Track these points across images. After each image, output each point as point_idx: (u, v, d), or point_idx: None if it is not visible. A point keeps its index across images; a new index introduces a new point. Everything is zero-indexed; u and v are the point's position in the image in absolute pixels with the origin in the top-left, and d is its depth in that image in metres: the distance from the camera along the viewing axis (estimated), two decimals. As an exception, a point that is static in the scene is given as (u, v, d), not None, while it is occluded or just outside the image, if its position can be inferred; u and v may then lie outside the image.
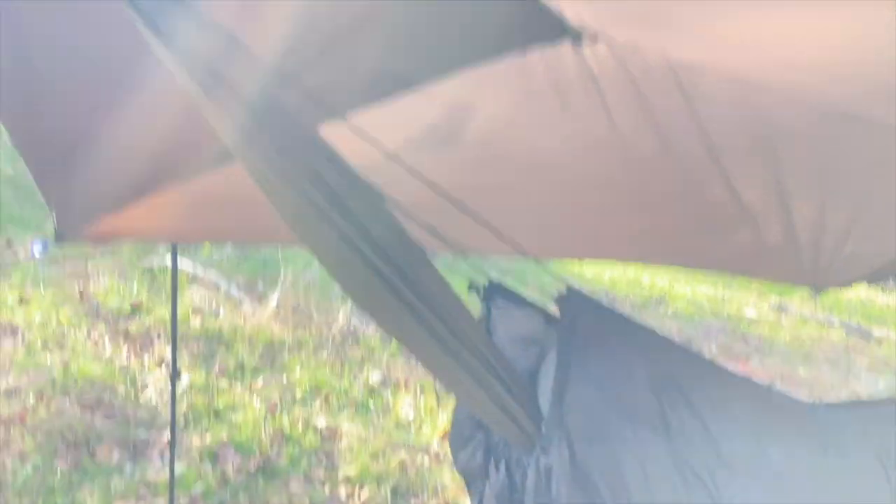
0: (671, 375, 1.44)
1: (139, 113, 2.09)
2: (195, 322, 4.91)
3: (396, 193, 1.62)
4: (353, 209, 1.29)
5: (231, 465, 3.50)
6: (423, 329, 1.38)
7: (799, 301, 10.29)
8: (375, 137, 2.31)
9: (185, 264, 5.50)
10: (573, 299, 1.43)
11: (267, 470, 3.54)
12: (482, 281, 1.58)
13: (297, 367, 4.57)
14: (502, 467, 1.60)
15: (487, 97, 2.13)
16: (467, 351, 1.42)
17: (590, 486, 1.41)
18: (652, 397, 1.41)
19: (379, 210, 1.34)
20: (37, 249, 4.81)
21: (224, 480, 3.38)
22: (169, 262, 5.40)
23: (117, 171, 2.29)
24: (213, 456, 3.55)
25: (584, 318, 1.42)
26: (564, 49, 1.99)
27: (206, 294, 5.29)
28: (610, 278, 9.81)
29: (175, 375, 2.84)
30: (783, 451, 1.56)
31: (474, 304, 1.77)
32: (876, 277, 4.07)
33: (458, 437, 1.73)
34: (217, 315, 5.05)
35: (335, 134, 1.54)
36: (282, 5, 1.63)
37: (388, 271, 1.33)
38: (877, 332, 8.95)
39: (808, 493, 1.61)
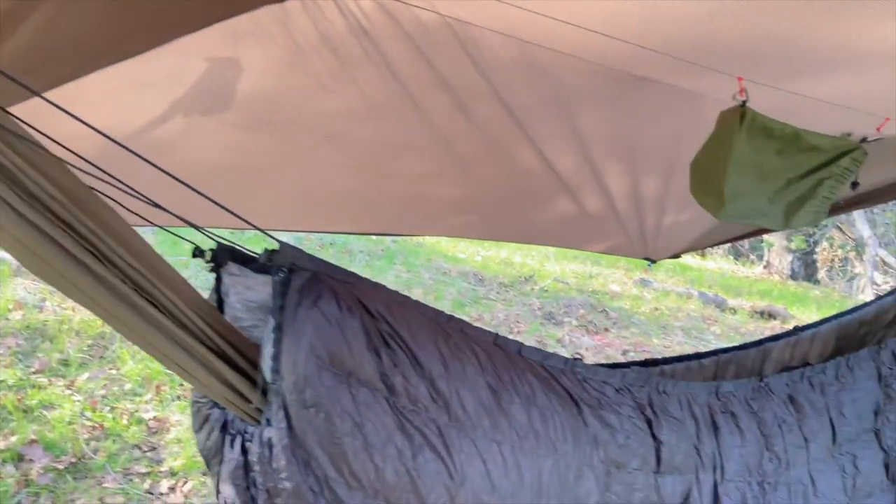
0: (397, 334, 1.36)
1: None
2: (16, 316, 4.54)
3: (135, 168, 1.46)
4: (35, 190, 1.12)
5: (37, 465, 3.23)
6: (127, 309, 1.25)
7: (663, 275, 10.72)
8: (137, 100, 2.16)
9: (8, 255, 5.09)
10: (287, 255, 1.33)
11: (79, 468, 3.30)
12: (209, 245, 1.45)
13: (129, 359, 4.30)
14: (237, 445, 1.48)
15: (252, 52, 2.00)
16: (180, 327, 1.30)
17: (308, 456, 1.32)
18: (372, 357, 1.33)
19: (70, 186, 1.18)
20: None
21: (26, 482, 3.12)
22: (-6, 254, 4.99)
23: None
24: (18, 457, 3.27)
25: (298, 276, 1.32)
26: (326, 1, 1.88)
27: (32, 286, 4.91)
28: (483, 259, 9.89)
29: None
30: (527, 409, 1.52)
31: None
32: (702, 245, 4.20)
33: (196, 417, 1.60)
34: (41, 308, 4.69)
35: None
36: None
37: (80, 251, 1.18)
38: (732, 301, 9.40)
39: (560, 447, 1.58)
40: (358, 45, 2.02)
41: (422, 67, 2.15)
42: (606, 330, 7.20)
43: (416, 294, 7.00)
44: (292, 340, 1.29)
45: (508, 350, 1.57)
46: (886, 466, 2.44)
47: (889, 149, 2.38)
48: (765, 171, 2.15)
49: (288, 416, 1.30)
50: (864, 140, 2.27)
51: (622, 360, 6.11)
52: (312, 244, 7.98)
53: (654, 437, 1.80)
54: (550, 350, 6.00)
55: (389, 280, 7.26)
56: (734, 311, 9.02)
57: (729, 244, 14.12)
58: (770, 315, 8.81)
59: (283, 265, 1.32)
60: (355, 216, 3.02)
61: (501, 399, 1.48)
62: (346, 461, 1.31)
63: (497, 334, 1.56)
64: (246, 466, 1.46)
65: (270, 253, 1.33)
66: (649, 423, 1.81)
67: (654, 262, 4.18)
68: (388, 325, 1.35)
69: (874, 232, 11.78)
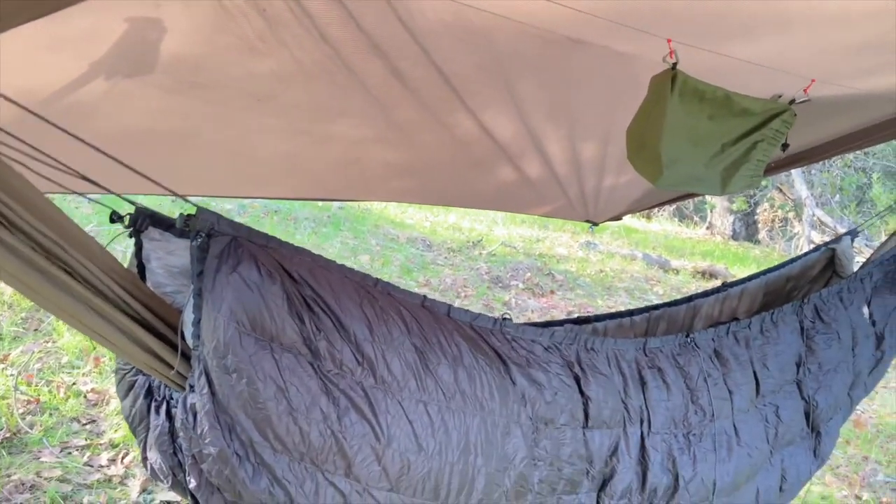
0: (320, 298, 1.36)
1: None
2: (-55, 289, 4.40)
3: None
4: None
5: (-30, 442, 3.16)
6: (39, 277, 1.22)
7: (608, 238, 10.88)
8: (54, 61, 2.09)
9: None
10: (204, 220, 1.31)
11: (15, 443, 3.24)
12: (129, 210, 1.42)
13: (65, 332, 4.21)
14: (163, 411, 1.48)
15: (175, 12, 1.94)
16: (97, 294, 1.28)
17: (232, 421, 1.32)
18: (294, 322, 1.33)
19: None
20: None
21: (-42, 460, 3.05)
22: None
23: None
24: (-51, 435, 3.20)
25: (217, 241, 1.30)
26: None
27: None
28: (431, 224, 9.89)
29: None
30: (454, 370, 1.55)
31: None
32: (641, 207, 4.26)
33: (121, 384, 1.58)
34: (-29, 281, 4.55)
35: None
36: None
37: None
38: (675, 262, 9.61)
39: (487, 405, 1.61)
40: (285, 6, 1.98)
41: (352, 31, 2.11)
42: (552, 292, 7.30)
43: (363, 260, 6.98)
44: (212, 306, 1.28)
45: (436, 311, 1.58)
46: (807, 415, 2.55)
47: (816, 109, 2.43)
48: (699, 136, 2.17)
49: (210, 382, 1.30)
50: (792, 102, 2.31)
51: (567, 321, 6.22)
52: (257, 212, 7.88)
53: (582, 393, 1.84)
54: (498, 314, 6.05)
55: (335, 247, 7.22)
56: (677, 271, 9.23)
57: (673, 206, 14.40)
58: (711, 275, 9.04)
59: (201, 230, 1.30)
60: (292, 182, 2.98)
61: (428, 360, 1.49)
62: (270, 425, 1.32)
63: (425, 296, 1.58)
64: (172, 432, 1.45)
65: (187, 217, 1.31)
66: (577, 379, 1.85)
67: (596, 224, 4.24)
68: (310, 289, 1.35)
69: (811, 192, 12.13)
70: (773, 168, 3.33)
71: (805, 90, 2.28)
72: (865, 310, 2.78)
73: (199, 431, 1.32)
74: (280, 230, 7.50)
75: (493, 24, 2.07)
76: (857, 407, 5.09)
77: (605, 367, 1.94)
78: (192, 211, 1.33)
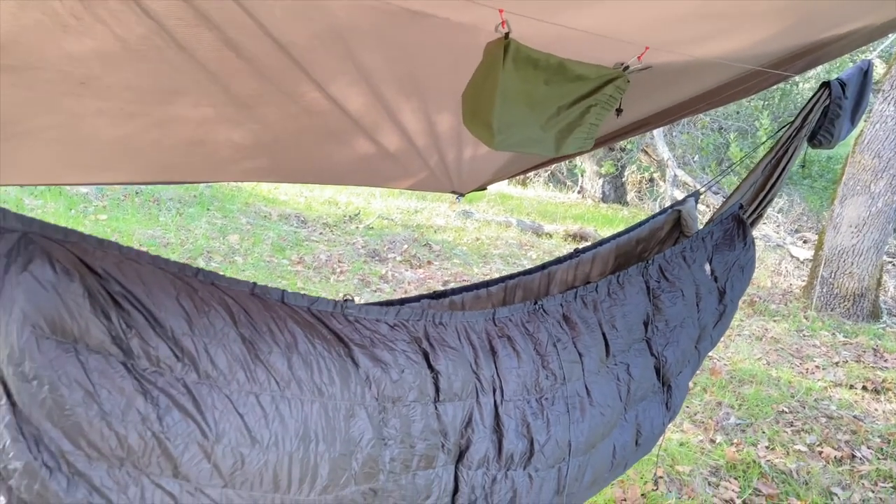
0: (130, 293, 1.28)
1: None
2: None
3: None
4: None
5: None
6: None
7: (485, 206, 11.03)
8: None
9: None
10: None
11: None
12: None
13: None
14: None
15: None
16: None
17: (38, 431, 1.22)
18: (100, 321, 1.24)
19: None
20: None
21: None
22: None
23: None
24: None
25: (4, 239, 1.18)
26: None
27: None
28: (306, 199, 9.69)
29: None
30: (287, 357, 1.50)
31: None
32: (505, 175, 4.31)
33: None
34: None
35: None
36: None
37: None
38: (548, 227, 9.86)
39: (327, 390, 1.58)
40: (91, -27, 1.83)
41: (175, 3, 1.99)
42: (429, 263, 7.34)
43: (231, 241, 6.76)
44: (2, 311, 1.17)
45: (268, 299, 1.53)
46: (657, 370, 2.67)
47: (658, 75, 2.50)
48: (535, 101, 2.19)
49: (8, 393, 1.20)
50: (626, 69, 2.37)
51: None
52: (117, 194, 7.47)
53: (431, 368, 1.84)
54: (374, 287, 6.03)
55: (202, 227, 6.95)
56: (550, 235, 9.49)
57: (547, 172, 14.77)
58: (581, 237, 9.36)
59: (-16, 227, 1.18)
60: (132, 166, 2.81)
61: (258, 350, 1.44)
62: (81, 433, 1.23)
63: (255, 284, 1.51)
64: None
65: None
66: (426, 355, 1.84)
67: (462, 195, 4.26)
68: (118, 284, 1.26)
69: (673, 154, 12.74)
70: (629, 131, 3.44)
71: (639, 57, 2.33)
72: (707, 267, 2.93)
73: (1, 446, 1.22)
74: (142, 212, 7.14)
75: (327, -6, 2.00)
76: (713, 356, 5.43)
77: (454, 340, 1.94)
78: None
